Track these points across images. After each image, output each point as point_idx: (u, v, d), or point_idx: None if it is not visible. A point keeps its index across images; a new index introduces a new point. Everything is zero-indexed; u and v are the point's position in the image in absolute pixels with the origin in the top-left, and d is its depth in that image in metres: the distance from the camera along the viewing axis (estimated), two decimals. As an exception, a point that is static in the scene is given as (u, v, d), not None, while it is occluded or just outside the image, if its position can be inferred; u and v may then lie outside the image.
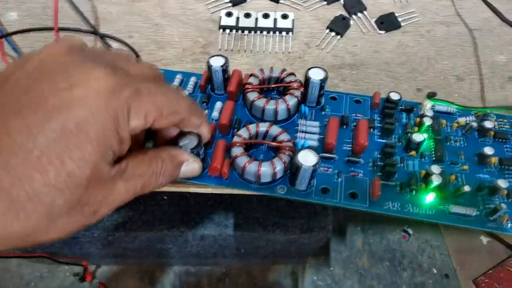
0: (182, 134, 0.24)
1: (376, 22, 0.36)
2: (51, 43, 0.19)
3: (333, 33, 0.36)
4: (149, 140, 0.25)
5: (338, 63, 0.34)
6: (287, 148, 0.26)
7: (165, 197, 0.62)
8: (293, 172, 0.26)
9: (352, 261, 0.95)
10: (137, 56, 0.31)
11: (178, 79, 0.32)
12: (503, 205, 0.25)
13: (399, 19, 0.36)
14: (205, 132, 0.24)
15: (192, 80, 0.32)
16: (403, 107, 0.31)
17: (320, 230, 0.60)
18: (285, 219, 0.60)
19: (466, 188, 0.26)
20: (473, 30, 0.36)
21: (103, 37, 0.30)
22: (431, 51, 0.35)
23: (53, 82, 0.17)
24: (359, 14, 0.37)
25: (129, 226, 0.60)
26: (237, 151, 0.26)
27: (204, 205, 0.61)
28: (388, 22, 0.36)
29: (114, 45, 0.30)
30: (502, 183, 0.26)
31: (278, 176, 0.26)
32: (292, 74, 0.30)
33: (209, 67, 0.29)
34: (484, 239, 0.96)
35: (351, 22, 0.36)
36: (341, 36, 0.36)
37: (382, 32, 0.36)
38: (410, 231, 0.98)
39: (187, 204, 0.61)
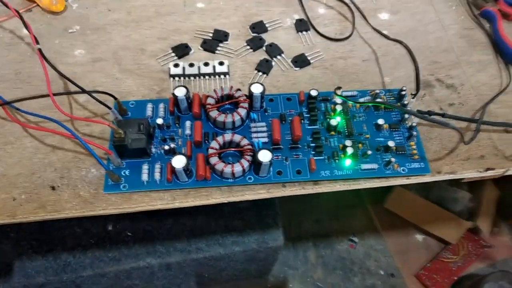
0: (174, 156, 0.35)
1: (291, 61, 0.47)
2: None
3: (260, 73, 0.45)
4: None
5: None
6: (248, 150, 0.37)
7: (129, 233, 0.67)
8: (257, 167, 0.36)
9: (308, 275, 1.03)
10: (115, 99, 0.39)
11: (149, 107, 0.41)
12: (392, 159, 0.38)
13: (309, 58, 0.47)
14: None
15: (161, 106, 0.42)
16: (321, 98, 0.43)
17: (274, 241, 0.67)
18: (242, 237, 0.67)
19: (369, 152, 0.38)
20: (364, 61, 0.47)
21: (90, 93, 0.38)
22: (335, 79, 0.46)
23: None
24: (279, 57, 0.47)
25: (96, 265, 0.64)
26: (214, 160, 0.37)
27: (167, 235, 0.67)
28: (300, 61, 0.47)
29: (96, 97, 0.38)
30: (390, 143, 0.39)
31: (246, 171, 0.37)
32: (238, 89, 0.41)
33: (175, 97, 0.38)
34: (419, 237, 1.08)
35: (273, 63, 0.46)
36: (267, 75, 0.46)
37: (297, 68, 0.46)
38: (356, 240, 1.08)
39: (151, 237, 0.66)
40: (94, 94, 0.38)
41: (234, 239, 0.67)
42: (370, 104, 0.42)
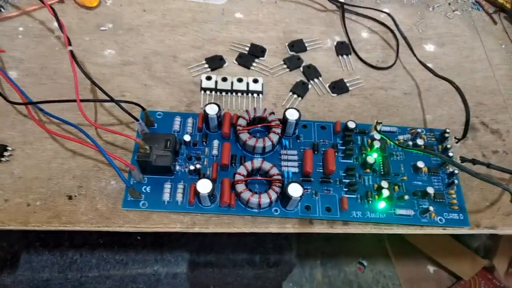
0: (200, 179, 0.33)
1: (329, 86, 0.44)
2: None
3: (295, 95, 0.43)
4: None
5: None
6: (277, 181, 0.35)
7: (138, 237, 0.65)
8: (285, 199, 0.34)
9: (313, 294, 1.01)
10: (144, 109, 0.37)
11: (177, 120, 0.39)
12: (431, 208, 0.35)
13: (348, 84, 0.44)
14: None
15: (190, 121, 0.39)
16: (357, 130, 0.40)
17: (285, 264, 0.65)
18: (253, 255, 0.65)
19: (406, 197, 0.36)
20: (405, 94, 0.45)
21: (118, 103, 0.36)
22: (374, 110, 0.43)
23: None
24: (316, 80, 0.45)
25: (102, 266, 0.63)
26: (240, 187, 0.34)
27: (177, 244, 0.65)
28: (338, 87, 0.44)
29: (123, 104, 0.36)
30: (429, 190, 0.36)
31: (274, 202, 0.35)
32: (272, 113, 0.38)
33: (206, 115, 0.36)
34: (431, 268, 1.05)
35: (309, 86, 0.44)
36: (302, 98, 0.43)
37: (335, 95, 0.44)
38: (365, 263, 1.05)
39: (161, 244, 0.65)
40: (122, 103, 0.36)
41: (245, 256, 0.65)
42: (411, 148, 0.39)
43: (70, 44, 0.36)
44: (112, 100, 0.34)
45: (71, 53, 0.35)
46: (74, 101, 0.34)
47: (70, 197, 0.35)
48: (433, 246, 1.03)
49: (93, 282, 0.66)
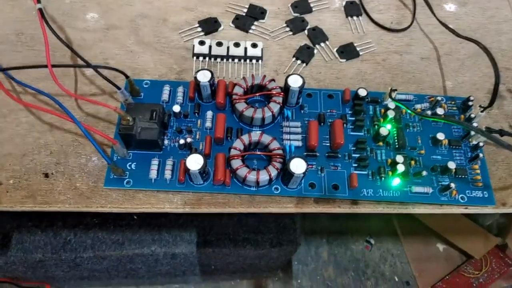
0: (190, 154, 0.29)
1: (337, 51, 0.40)
2: None
3: (299, 61, 0.39)
4: None
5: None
6: (278, 156, 0.31)
7: (135, 217, 0.62)
8: (286, 176, 0.30)
9: (319, 272, 0.98)
10: (127, 77, 0.33)
11: (166, 90, 0.35)
12: (452, 184, 0.31)
13: (358, 49, 0.40)
14: None
15: (180, 90, 0.35)
16: (369, 99, 0.35)
17: (289, 243, 0.62)
18: (255, 234, 0.62)
19: (424, 173, 0.31)
20: (423, 59, 0.40)
21: (96, 68, 0.31)
22: (387, 77, 0.39)
23: None
24: (322, 44, 0.40)
25: (98, 247, 0.60)
26: (236, 163, 0.30)
27: (175, 224, 0.62)
28: (348, 52, 0.40)
29: (105, 72, 0.32)
30: (450, 165, 0.32)
31: (274, 180, 0.31)
32: (272, 80, 0.34)
33: (198, 83, 0.32)
34: (440, 247, 1.02)
35: (315, 51, 0.39)
36: (306, 64, 0.39)
37: (343, 60, 0.39)
38: (372, 241, 1.02)
39: (158, 224, 0.61)
40: (102, 70, 0.32)
41: (246, 236, 0.62)
42: (432, 117, 0.34)
43: (39, 2, 0.32)
44: (88, 65, 0.30)
45: (40, 12, 0.31)
46: (45, 66, 0.29)
47: (46, 175, 0.32)
48: (443, 224, 1.00)
49: (89, 263, 0.64)
